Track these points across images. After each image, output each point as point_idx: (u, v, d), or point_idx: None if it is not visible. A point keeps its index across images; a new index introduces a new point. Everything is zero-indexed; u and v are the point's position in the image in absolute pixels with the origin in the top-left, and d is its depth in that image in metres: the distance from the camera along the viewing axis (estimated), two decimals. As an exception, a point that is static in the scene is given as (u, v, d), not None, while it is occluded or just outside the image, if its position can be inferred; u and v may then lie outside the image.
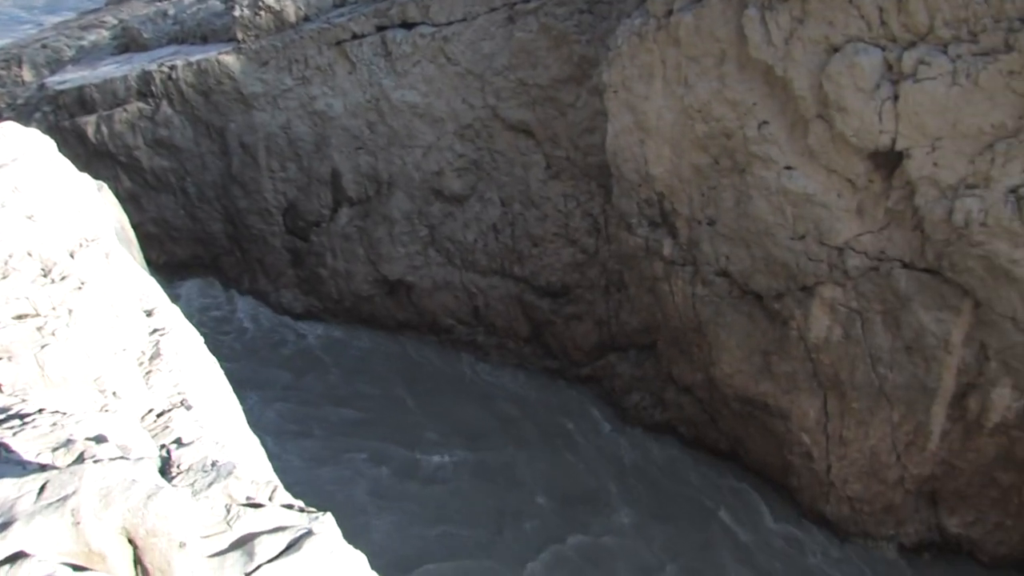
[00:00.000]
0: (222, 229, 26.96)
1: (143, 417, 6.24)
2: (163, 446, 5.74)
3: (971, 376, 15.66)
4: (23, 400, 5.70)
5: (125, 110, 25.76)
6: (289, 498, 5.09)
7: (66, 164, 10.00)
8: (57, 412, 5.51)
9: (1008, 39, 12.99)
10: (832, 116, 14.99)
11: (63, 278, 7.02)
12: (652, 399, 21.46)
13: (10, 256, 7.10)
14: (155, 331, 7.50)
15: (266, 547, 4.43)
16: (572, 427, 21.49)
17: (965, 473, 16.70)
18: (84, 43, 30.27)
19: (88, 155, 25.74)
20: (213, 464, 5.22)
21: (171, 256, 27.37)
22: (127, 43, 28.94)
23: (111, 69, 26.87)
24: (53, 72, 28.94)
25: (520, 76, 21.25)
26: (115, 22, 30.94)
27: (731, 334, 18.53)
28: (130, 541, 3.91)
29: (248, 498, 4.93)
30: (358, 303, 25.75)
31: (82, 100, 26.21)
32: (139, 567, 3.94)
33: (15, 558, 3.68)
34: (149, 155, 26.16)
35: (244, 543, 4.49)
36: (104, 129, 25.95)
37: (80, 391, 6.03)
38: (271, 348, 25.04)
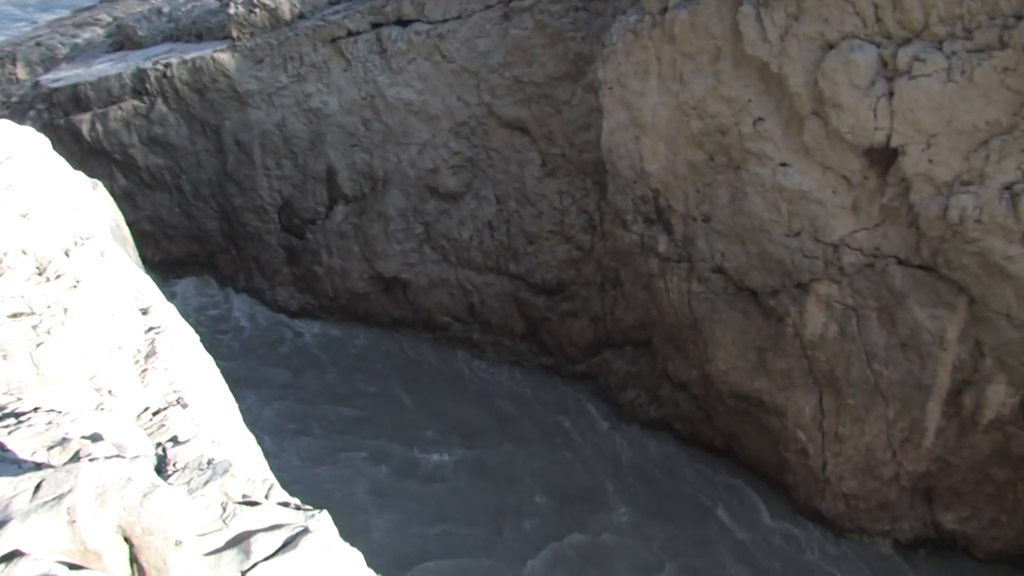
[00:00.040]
0: (217, 227, 26.93)
1: (139, 415, 6.24)
2: (159, 444, 5.73)
3: (966, 373, 15.70)
4: (18, 399, 5.69)
5: (120, 108, 25.71)
6: (285, 496, 5.09)
7: (61, 162, 9.98)
8: (52, 411, 5.50)
9: (1003, 36, 13.01)
10: (827, 113, 15.00)
11: (58, 276, 7.00)
12: (648, 396, 21.48)
13: (4, 254, 7.09)
14: (151, 329, 7.49)
15: (262, 545, 4.43)
16: (569, 425, 21.50)
17: (960, 469, 16.74)
18: (78, 41, 30.20)
19: (83, 153, 25.69)
20: (209, 462, 5.22)
21: (166, 254, 27.34)
22: (122, 41, 28.88)
23: (106, 67, 26.81)
24: (47, 70, 28.88)
25: (515, 73, 21.24)
26: (109, 20, 30.88)
27: (726, 331, 18.55)
28: (126, 539, 3.90)
29: (244, 496, 4.93)
30: (354, 300, 25.73)
31: (77, 98, 26.15)
32: (135, 565, 3.94)
33: (11, 557, 3.68)
34: (144, 153, 26.11)
35: (240, 541, 4.49)
36: (99, 127, 25.91)
37: (75, 389, 6.02)
38: (269, 347, 25.03)
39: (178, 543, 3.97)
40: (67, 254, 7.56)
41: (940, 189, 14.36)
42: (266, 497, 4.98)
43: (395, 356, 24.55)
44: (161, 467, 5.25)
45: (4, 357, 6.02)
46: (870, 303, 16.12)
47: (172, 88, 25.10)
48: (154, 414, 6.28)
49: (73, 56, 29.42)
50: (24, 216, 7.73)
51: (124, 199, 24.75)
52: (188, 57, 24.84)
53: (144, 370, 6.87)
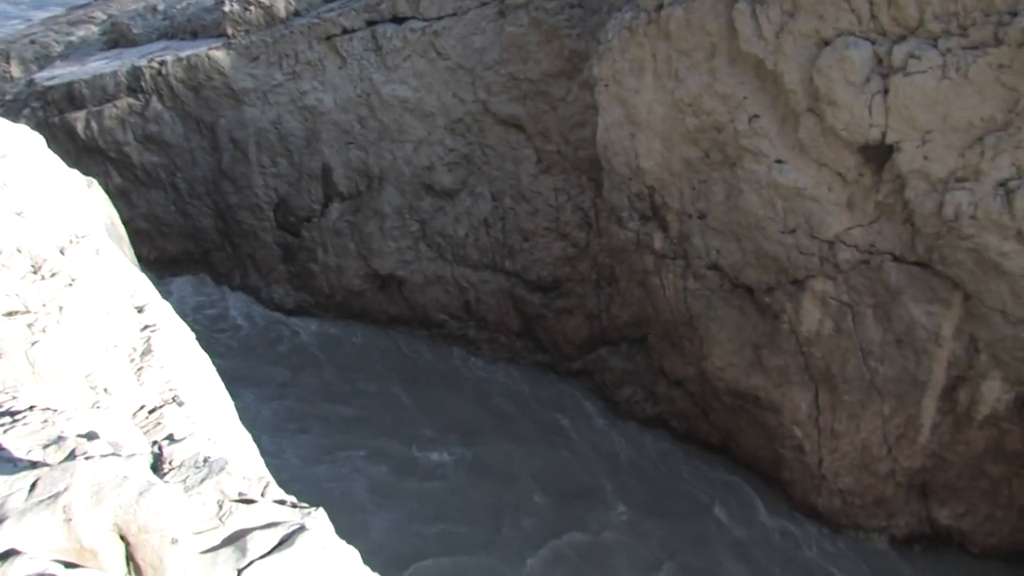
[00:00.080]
0: (213, 225, 26.90)
1: (135, 414, 6.23)
2: (155, 442, 5.73)
3: (961, 369, 15.73)
4: (14, 397, 5.69)
5: (115, 106, 25.66)
6: (281, 494, 5.09)
7: (55, 160, 9.96)
8: (48, 409, 5.50)
9: (998, 33, 13.03)
10: (822, 110, 15.02)
11: (53, 275, 6.99)
12: (644, 393, 21.50)
13: None
14: (146, 327, 7.48)
15: (258, 543, 4.43)
16: (567, 423, 21.51)
17: (955, 465, 16.78)
18: (73, 39, 30.12)
19: (78, 151, 25.64)
20: (205, 460, 5.21)
21: (162, 252, 27.29)
22: (116, 39, 28.82)
23: (100, 65, 26.75)
24: (42, 68, 28.81)
25: (511, 70, 21.24)
26: (104, 17, 30.80)
27: (722, 328, 18.57)
28: (122, 538, 3.90)
29: (240, 494, 4.92)
30: (349, 298, 25.72)
31: (71, 96, 26.10)
32: (131, 564, 3.94)
33: (7, 555, 3.67)
34: (139, 151, 26.07)
35: (236, 539, 4.48)
36: (94, 125, 25.86)
37: (71, 388, 6.01)
38: (266, 345, 25.01)
39: (174, 541, 3.97)
40: (62, 252, 7.55)
41: (935, 186, 14.39)
42: (262, 495, 4.98)
43: (392, 354, 24.54)
44: (157, 465, 5.25)
45: (-1, 355, 6.02)
46: (865, 300, 16.14)
47: (167, 86, 25.06)
48: (150, 412, 6.27)
49: (68, 54, 29.35)
50: (19, 214, 7.72)
51: (119, 197, 24.70)
52: (183, 55, 24.80)
53: (140, 368, 6.86)
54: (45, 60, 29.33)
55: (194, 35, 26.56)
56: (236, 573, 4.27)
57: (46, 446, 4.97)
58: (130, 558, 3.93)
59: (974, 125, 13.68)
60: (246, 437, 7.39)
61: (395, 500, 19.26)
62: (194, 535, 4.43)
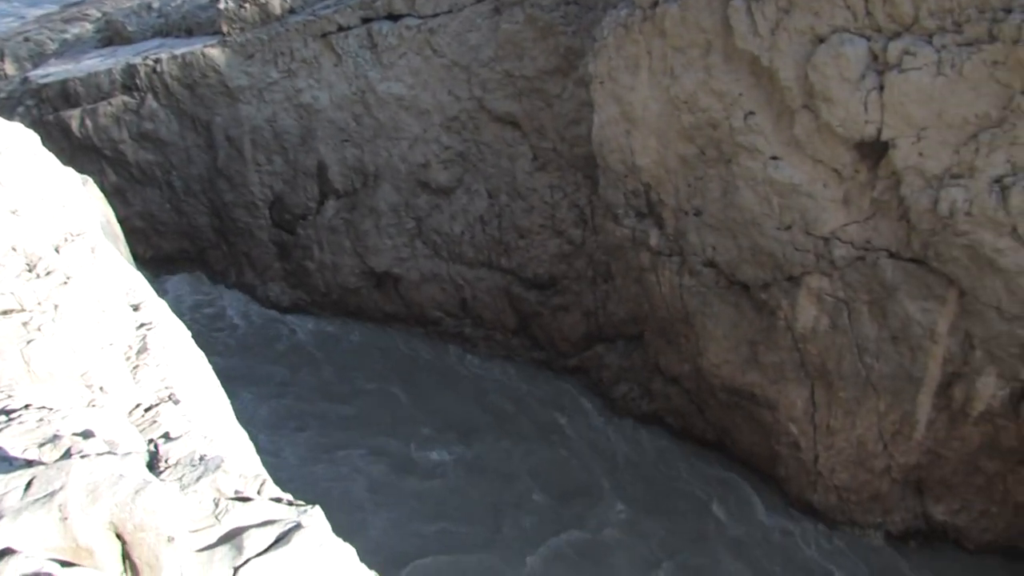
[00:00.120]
0: (208, 223, 26.87)
1: (130, 412, 6.22)
2: (151, 441, 5.72)
3: (956, 365, 15.76)
4: (9, 396, 5.68)
5: (110, 104, 25.61)
6: (278, 491, 5.09)
7: (50, 158, 9.95)
8: (43, 408, 5.49)
9: (992, 29, 13.05)
10: (818, 106, 15.03)
11: (48, 273, 6.98)
12: (640, 390, 21.52)
13: (-6, 251, 7.06)
14: (142, 325, 7.47)
15: (255, 541, 4.43)
16: (564, 421, 21.52)
17: (951, 461, 16.81)
18: (67, 36, 30.06)
19: (72, 149, 25.60)
20: (201, 458, 5.21)
21: (157, 250, 27.27)
22: (111, 36, 28.76)
23: (95, 62, 26.70)
24: (36, 66, 28.75)
25: (506, 67, 21.23)
26: (98, 15, 30.74)
27: (718, 324, 18.59)
28: (118, 536, 3.90)
29: (236, 492, 4.92)
30: (345, 296, 25.71)
31: (66, 94, 26.05)
32: (127, 562, 3.94)
33: (2, 555, 3.67)
34: (134, 149, 26.03)
35: (233, 537, 4.49)
36: (88, 123, 25.81)
37: (67, 386, 6.01)
38: (264, 344, 25.01)
39: (170, 539, 3.97)
40: (57, 250, 7.54)
41: (930, 182, 14.41)
42: (258, 493, 4.98)
43: (390, 353, 24.53)
44: (153, 463, 5.25)
45: (-6, 354, 6.00)
46: (861, 296, 16.17)
47: (162, 84, 25.02)
48: (146, 410, 6.27)
49: (62, 52, 29.29)
50: (14, 213, 7.70)
51: (114, 195, 24.68)
52: (178, 52, 24.76)
53: (135, 366, 6.86)
54: (39, 58, 29.27)
55: (189, 33, 26.52)
56: (232, 571, 4.28)
57: (42, 445, 4.96)
58: (126, 556, 3.93)
59: (969, 122, 13.70)
60: (242, 435, 7.39)
61: (394, 499, 19.26)
62: (190, 533, 4.43)
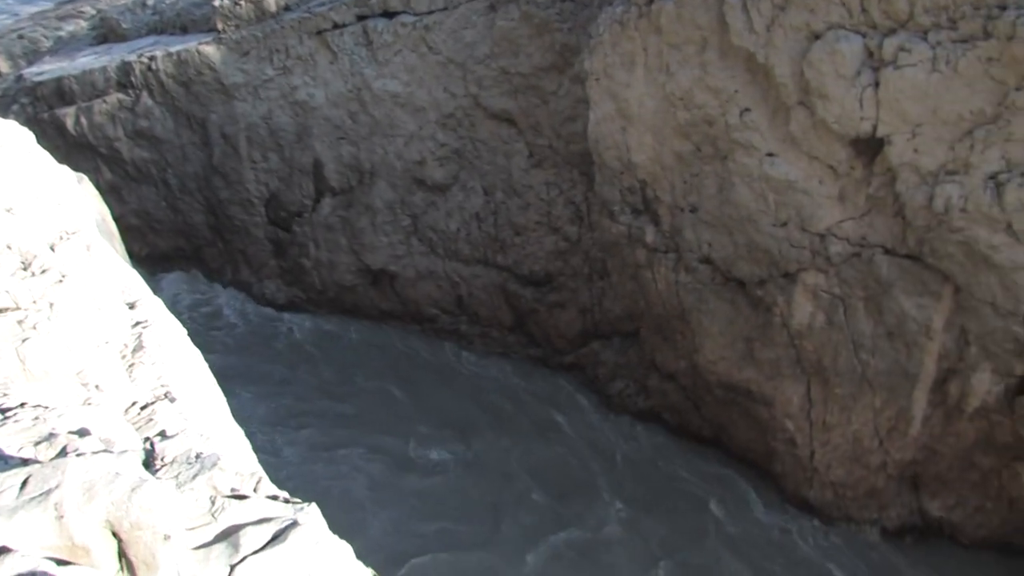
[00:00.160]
0: (204, 220, 26.83)
1: (126, 410, 6.22)
2: (147, 439, 5.71)
3: (952, 361, 15.79)
4: (4, 394, 5.67)
5: (105, 101, 25.55)
6: (274, 489, 5.09)
7: (45, 156, 9.93)
8: (39, 406, 5.48)
9: (987, 26, 13.07)
10: (813, 103, 15.04)
11: (44, 271, 6.97)
12: (636, 386, 21.53)
13: (-11, 249, 7.05)
14: (138, 323, 7.46)
15: (251, 538, 4.43)
16: (562, 419, 21.52)
17: (946, 457, 16.85)
18: (62, 34, 29.97)
19: (68, 147, 25.53)
20: (197, 456, 5.21)
21: (153, 248, 27.22)
22: (106, 33, 28.69)
23: (90, 60, 26.63)
24: (31, 63, 28.66)
25: (502, 65, 21.21)
26: (93, 12, 30.64)
27: (714, 321, 18.60)
28: (114, 534, 3.89)
29: (233, 490, 4.92)
30: (341, 293, 25.69)
31: (61, 91, 25.98)
32: (124, 560, 3.93)
33: (-2, 553, 3.67)
34: (130, 146, 25.98)
35: (229, 535, 4.48)
36: (84, 121, 25.75)
37: (62, 384, 6.00)
38: (262, 343, 25.00)
39: (167, 537, 3.96)
40: (52, 248, 7.53)
41: (925, 179, 14.43)
42: (255, 490, 4.98)
43: (388, 351, 24.54)
44: (149, 461, 5.24)
45: (-10, 352, 5.99)
46: (857, 292, 16.19)
47: (157, 81, 24.97)
48: (142, 408, 6.26)
49: (56, 49, 29.20)
50: (8, 211, 7.69)
51: (110, 193, 24.63)
52: (173, 50, 24.70)
53: (131, 364, 6.85)
54: (34, 55, 29.18)
55: (184, 30, 26.45)
56: (229, 569, 4.27)
57: (37, 443, 4.96)
58: (122, 555, 3.93)
59: (964, 118, 13.72)
60: (238, 433, 7.39)
61: (393, 498, 19.25)
62: (187, 531, 4.43)
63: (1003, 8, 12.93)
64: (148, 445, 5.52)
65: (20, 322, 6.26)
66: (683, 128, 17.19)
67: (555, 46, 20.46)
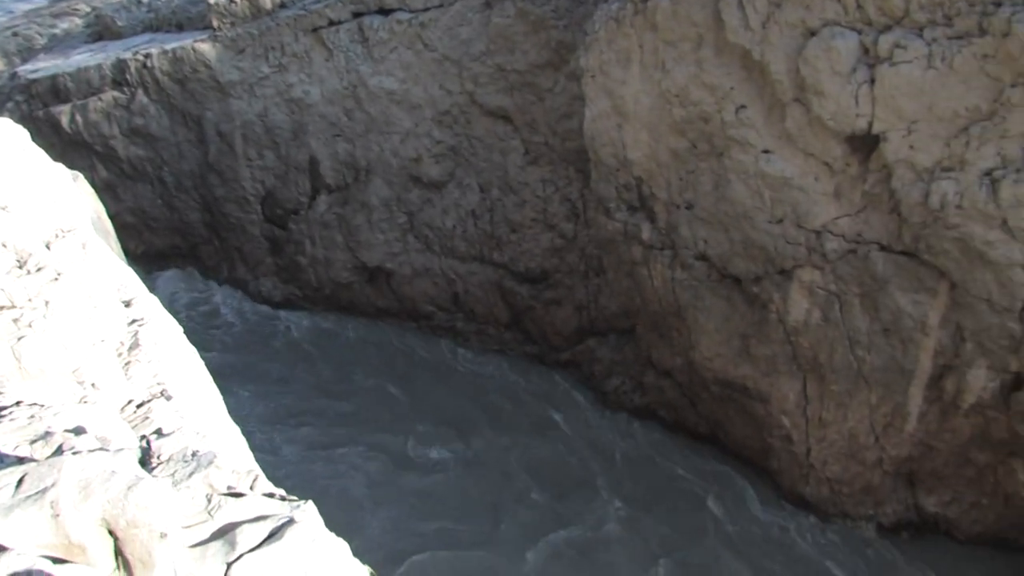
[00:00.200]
0: (200, 218, 26.81)
1: (122, 408, 6.21)
2: (143, 437, 5.71)
3: (947, 358, 15.81)
4: (0, 393, 5.66)
5: (100, 99, 25.52)
6: (270, 487, 5.09)
7: (40, 154, 9.91)
8: (35, 404, 5.48)
9: (982, 23, 13.08)
10: (809, 100, 15.05)
11: (39, 269, 6.96)
12: (632, 383, 21.55)
13: (-15, 247, 7.04)
14: (133, 321, 7.45)
15: (248, 536, 4.43)
16: (559, 417, 21.53)
17: (942, 453, 16.88)
18: (56, 31, 29.92)
19: (63, 145, 25.50)
20: (194, 454, 5.21)
21: (149, 246, 27.20)
22: (101, 31, 28.65)
23: (85, 57, 26.59)
24: (25, 60, 28.61)
25: (497, 62, 21.20)
26: (88, 10, 30.59)
27: (710, 318, 18.62)
28: (110, 532, 3.89)
29: (229, 487, 4.92)
30: (337, 291, 25.68)
31: (55, 89, 25.94)
32: (120, 558, 3.93)
33: (-6, 551, 3.66)
34: (125, 144, 25.94)
35: (226, 532, 4.48)
36: (79, 118, 25.71)
37: (58, 383, 5.99)
38: (261, 342, 24.99)
39: (163, 535, 3.96)
40: (48, 247, 7.52)
41: (921, 175, 14.44)
42: (251, 488, 4.98)
43: (385, 348, 24.54)
44: (145, 459, 5.24)
45: (-15, 351, 5.98)
46: (853, 289, 16.20)
47: (153, 79, 24.93)
48: (138, 406, 6.26)
49: (51, 47, 29.15)
50: (3, 209, 7.68)
51: (105, 191, 24.62)
52: (168, 47, 24.67)
53: (127, 362, 6.84)
54: (28, 53, 29.13)
55: (179, 27, 26.42)
56: (225, 566, 4.27)
57: (33, 441, 4.95)
58: (119, 553, 3.93)
59: (959, 115, 13.73)
60: (235, 430, 7.38)
61: (392, 496, 19.25)
62: (183, 529, 4.43)
63: (998, 5, 12.93)
64: (144, 443, 5.52)
65: (16, 320, 6.26)
66: (679, 125, 17.20)
67: (551, 43, 20.45)
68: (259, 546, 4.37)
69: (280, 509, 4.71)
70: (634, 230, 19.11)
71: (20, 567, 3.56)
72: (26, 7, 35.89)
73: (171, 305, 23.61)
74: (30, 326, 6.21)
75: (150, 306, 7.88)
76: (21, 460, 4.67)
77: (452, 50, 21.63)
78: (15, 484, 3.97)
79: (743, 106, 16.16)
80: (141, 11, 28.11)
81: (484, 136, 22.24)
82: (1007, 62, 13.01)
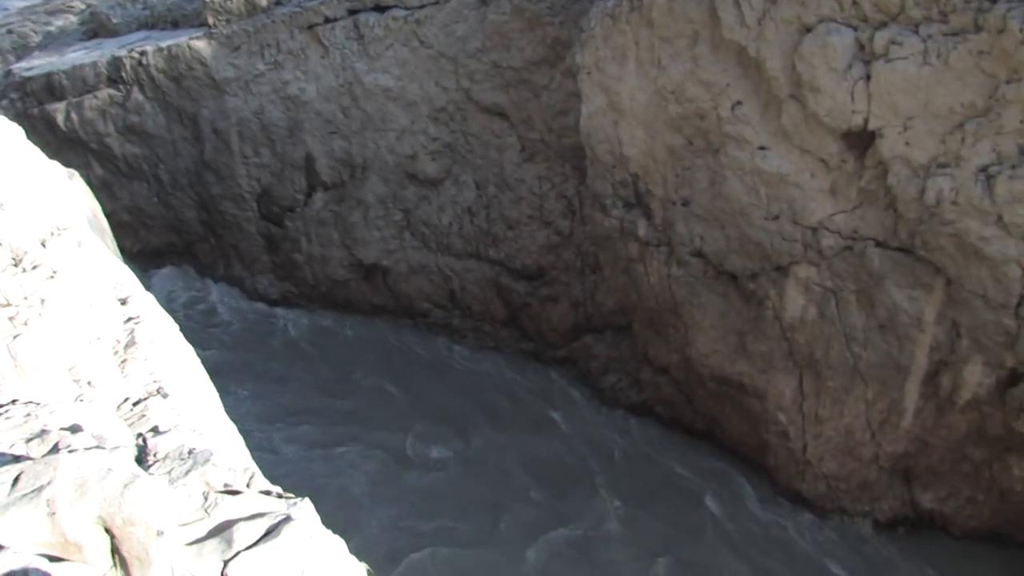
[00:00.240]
0: (196, 216, 26.77)
1: (119, 406, 6.21)
2: (139, 435, 5.71)
3: (943, 354, 15.83)
4: (-4, 391, 5.65)
5: (95, 97, 25.47)
6: (267, 484, 5.09)
7: (35, 152, 9.89)
8: (31, 402, 5.47)
9: (977, 19, 13.08)
10: (805, 96, 15.05)
11: (35, 267, 6.95)
12: (628, 380, 21.56)
13: (-20, 246, 7.02)
14: (130, 319, 7.45)
15: (244, 534, 4.43)
16: (557, 415, 21.53)
17: (938, 449, 16.91)
18: (51, 28, 29.85)
19: (58, 142, 25.46)
20: (190, 452, 5.20)
21: (145, 244, 27.17)
22: (96, 28, 28.59)
23: (80, 55, 26.54)
24: (20, 58, 28.55)
25: (494, 59, 21.19)
26: (83, 7, 30.52)
27: (706, 314, 18.63)
28: (107, 531, 3.89)
29: (226, 485, 4.92)
30: (334, 288, 25.67)
31: (51, 87, 25.89)
32: (116, 556, 3.93)
33: (-9, 549, 3.66)
34: (120, 142, 25.91)
35: (222, 530, 4.48)
36: (74, 116, 25.67)
37: (54, 381, 5.98)
38: (259, 340, 24.98)
39: (160, 533, 3.96)
40: (44, 245, 7.51)
41: (917, 171, 14.45)
42: (248, 486, 4.98)
43: (383, 346, 24.53)
44: (142, 457, 5.24)
45: (-19, 349, 5.97)
46: (849, 285, 16.22)
47: (148, 76, 24.89)
48: (134, 404, 6.25)
49: (46, 44, 29.09)
50: (-1, 207, 7.66)
51: (101, 189, 24.58)
52: (164, 45, 24.63)
53: (123, 360, 6.83)
54: (23, 50, 29.06)
55: (175, 25, 26.38)
56: (222, 564, 4.27)
57: (29, 440, 4.94)
58: (115, 551, 3.92)
59: (955, 111, 13.74)
60: (231, 428, 7.38)
61: (391, 495, 19.23)
62: (180, 527, 4.42)
63: (994, 1, 12.94)
64: (140, 441, 5.51)
65: (11, 318, 6.25)
66: (675, 122, 17.20)
67: (547, 40, 20.44)
68: (256, 544, 4.37)
69: (277, 507, 4.71)
70: (630, 227, 19.11)
71: (16, 565, 3.56)
72: (21, 4, 35.77)
73: (167, 303, 23.62)
74: (26, 324, 6.20)
75: (146, 304, 7.87)
76: (17, 458, 4.66)
77: (448, 47, 21.61)
78: (11, 482, 3.97)
79: (739, 102, 16.17)
80: (136, 8, 28.05)
81: (480, 133, 22.23)
82: (1002, 58, 13.02)
